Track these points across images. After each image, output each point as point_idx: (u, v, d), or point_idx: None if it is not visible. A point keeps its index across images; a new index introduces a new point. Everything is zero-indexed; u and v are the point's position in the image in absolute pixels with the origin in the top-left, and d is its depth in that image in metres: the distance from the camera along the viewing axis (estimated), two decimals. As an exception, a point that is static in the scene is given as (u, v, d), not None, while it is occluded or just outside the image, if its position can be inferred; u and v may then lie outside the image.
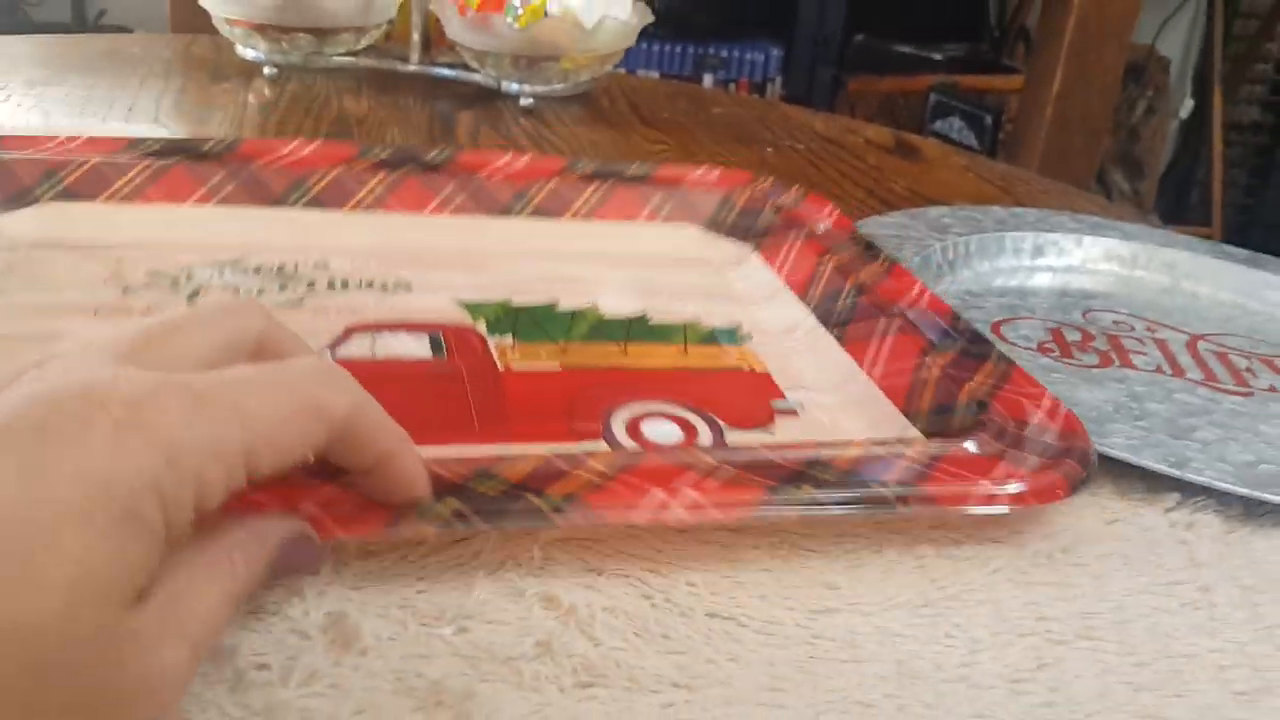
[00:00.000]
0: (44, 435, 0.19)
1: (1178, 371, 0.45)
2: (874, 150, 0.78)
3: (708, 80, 2.06)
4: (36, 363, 0.22)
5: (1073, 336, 0.47)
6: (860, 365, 0.39)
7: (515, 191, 0.48)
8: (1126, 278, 0.55)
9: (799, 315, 0.44)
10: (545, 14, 0.75)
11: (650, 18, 0.80)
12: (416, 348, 0.38)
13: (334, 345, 0.37)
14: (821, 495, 0.29)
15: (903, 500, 0.29)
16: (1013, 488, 0.30)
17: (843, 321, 0.42)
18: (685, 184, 0.51)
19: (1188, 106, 2.33)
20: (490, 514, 0.26)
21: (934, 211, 0.58)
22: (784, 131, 0.80)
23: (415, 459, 0.25)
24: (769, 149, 0.75)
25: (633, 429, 0.35)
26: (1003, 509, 0.30)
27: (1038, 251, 0.56)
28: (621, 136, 0.74)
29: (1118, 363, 0.45)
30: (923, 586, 0.29)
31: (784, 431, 0.36)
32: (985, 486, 0.30)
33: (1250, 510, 0.35)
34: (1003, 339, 0.46)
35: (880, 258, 0.45)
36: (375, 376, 0.34)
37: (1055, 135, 1.38)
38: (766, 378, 0.39)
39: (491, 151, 0.50)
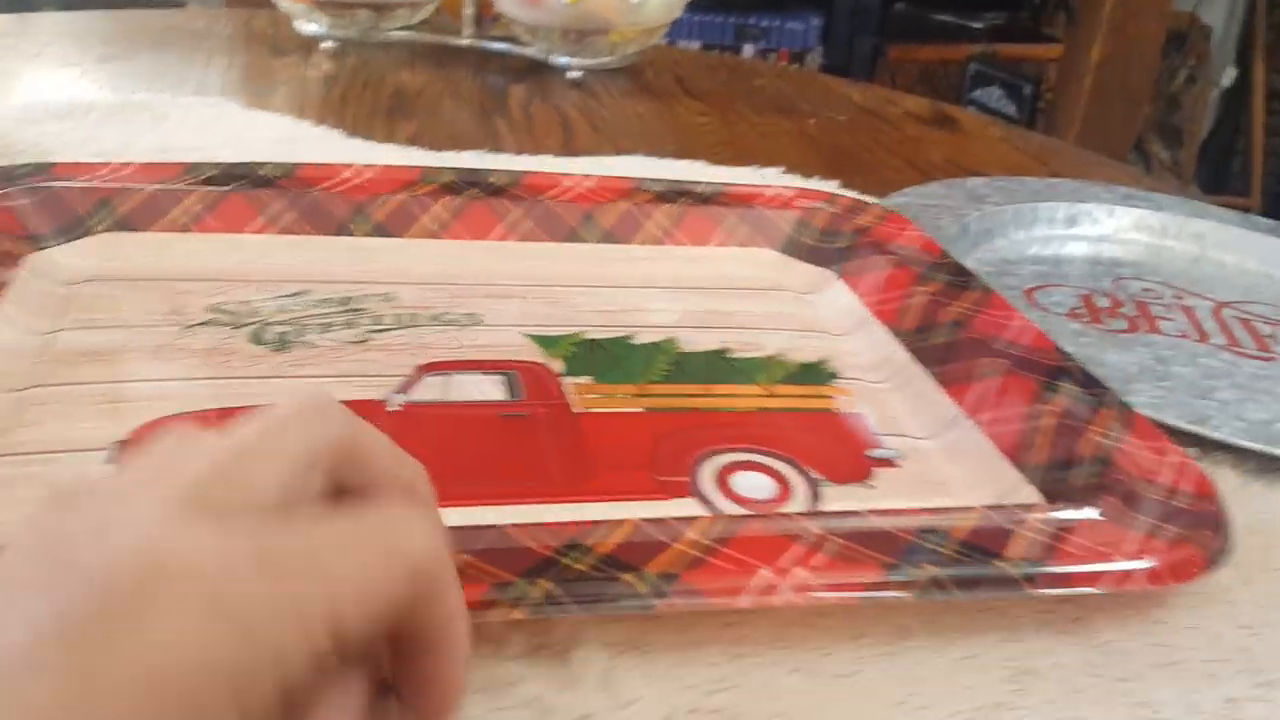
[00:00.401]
0: (102, 625, 0.16)
1: (1203, 337, 0.47)
2: (912, 121, 0.80)
3: (748, 50, 2.07)
4: (90, 490, 0.19)
5: (1102, 303, 0.49)
6: (962, 408, 0.36)
7: (583, 214, 0.47)
8: (1156, 247, 0.57)
9: (889, 349, 0.41)
10: (594, -11, 0.77)
11: (695, -9, 0.82)
12: (491, 389, 0.36)
13: (405, 387, 0.36)
14: (943, 575, 0.27)
15: (1030, 580, 0.27)
16: (1147, 564, 0.28)
17: (940, 358, 0.39)
18: (759, 203, 0.49)
19: (1229, 75, 2.30)
20: (585, 598, 0.25)
21: (971, 182, 0.60)
22: (824, 103, 0.82)
23: (464, 654, 0.21)
24: (810, 120, 0.77)
25: (722, 481, 0.33)
26: (1137, 589, 0.28)
27: (1071, 221, 0.58)
28: (666, 108, 0.76)
29: (1145, 328, 0.47)
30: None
31: (884, 485, 0.34)
32: (1119, 563, 0.28)
33: (1264, 465, 0.37)
34: (1035, 304, 0.48)
35: (976, 285, 0.42)
36: (449, 422, 0.34)
37: (1094, 105, 1.38)
38: (860, 421, 0.37)
39: (557, 174, 0.48)
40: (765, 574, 0.26)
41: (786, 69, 0.95)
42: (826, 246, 0.47)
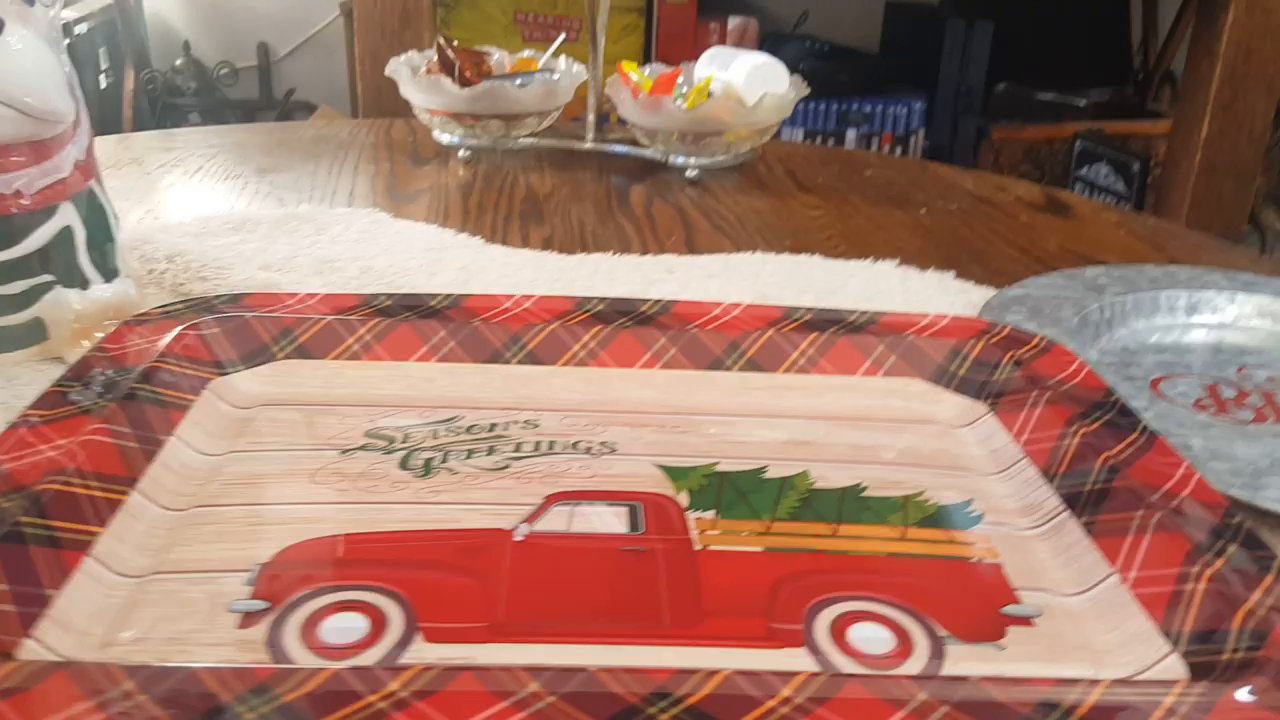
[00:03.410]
0: None
1: (1333, 425, 0.47)
2: (1025, 208, 0.81)
3: (850, 135, 2.10)
4: None
5: (1228, 393, 0.50)
6: (1112, 565, 0.34)
7: (729, 342, 0.47)
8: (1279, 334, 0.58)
9: (1040, 493, 0.39)
10: (710, 94, 0.82)
11: (806, 90, 0.86)
12: (614, 521, 0.36)
13: (533, 517, 0.36)
14: None
15: None
16: None
17: (1093, 508, 0.37)
18: (910, 333, 0.48)
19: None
20: None
21: (1090, 271, 0.61)
22: (936, 192, 0.84)
23: None
24: (923, 210, 0.79)
25: (838, 632, 0.32)
26: None
27: (1192, 309, 0.59)
28: (781, 203, 0.79)
29: (1272, 419, 0.48)
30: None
31: (1016, 646, 0.32)
32: None
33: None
34: (1161, 396, 0.49)
35: (1138, 428, 0.40)
36: (568, 554, 0.35)
37: (1204, 181, 1.38)
38: (998, 571, 0.35)
39: (708, 303, 0.49)
40: None
41: (896, 160, 0.97)
42: (980, 378, 0.46)
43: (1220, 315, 0.59)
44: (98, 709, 0.24)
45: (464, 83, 0.81)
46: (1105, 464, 0.38)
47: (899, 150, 2.12)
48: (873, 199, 0.82)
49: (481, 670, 0.26)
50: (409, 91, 0.83)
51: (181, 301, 0.47)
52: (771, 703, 0.26)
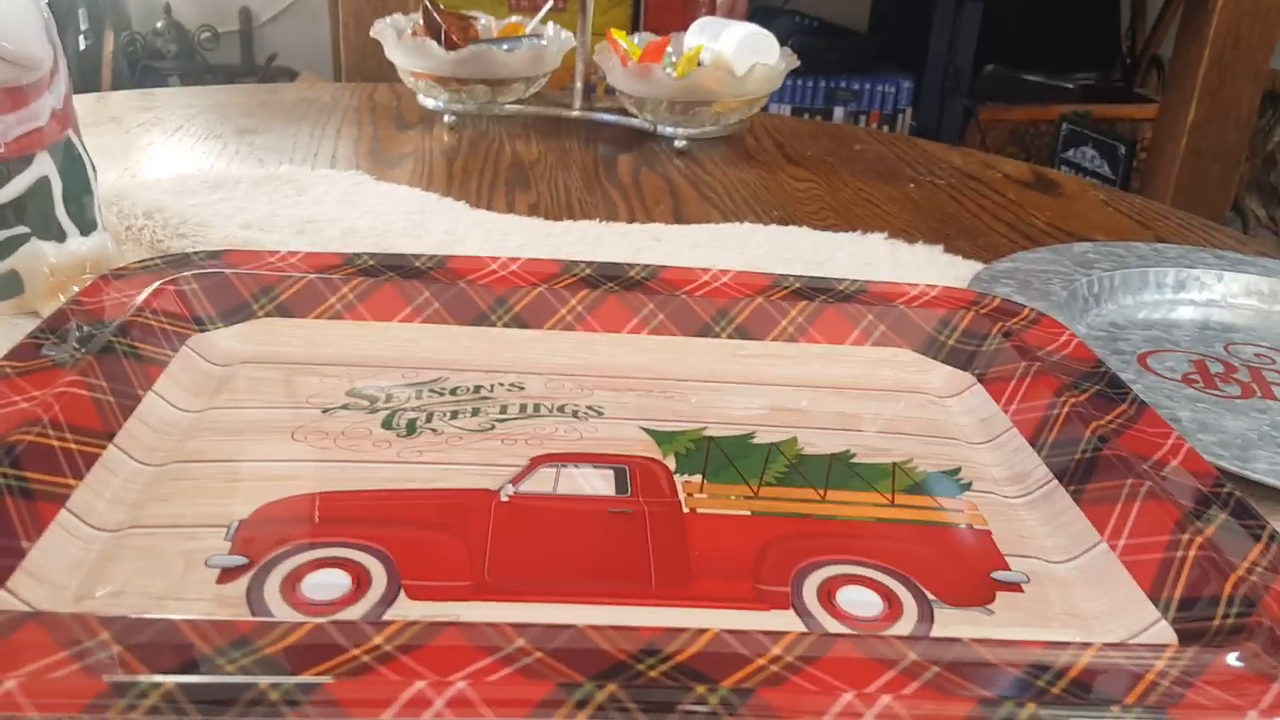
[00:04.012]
0: None
1: (1319, 402, 0.47)
2: (1013, 185, 0.81)
3: (838, 113, 2.10)
4: None
5: (1216, 369, 0.50)
6: (1101, 533, 0.34)
7: (717, 309, 0.47)
8: (1267, 312, 0.57)
9: (1029, 463, 0.39)
10: (700, 63, 0.81)
11: (796, 62, 0.85)
12: (601, 483, 0.36)
13: (517, 479, 0.36)
14: (1046, 716, 0.25)
15: None
16: None
17: (1081, 476, 0.37)
18: (900, 302, 0.48)
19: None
20: (651, 706, 0.24)
21: (1079, 247, 0.61)
22: (924, 167, 0.84)
23: None
24: (911, 184, 0.79)
25: (826, 596, 0.31)
26: None
27: (1180, 286, 0.58)
28: (769, 175, 0.79)
29: (1259, 394, 0.48)
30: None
31: (1005, 612, 0.32)
32: (1251, 718, 0.25)
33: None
34: (1149, 370, 0.49)
35: (1128, 399, 0.40)
36: (554, 515, 0.34)
37: (1190, 166, 1.38)
38: (987, 538, 0.35)
39: (696, 269, 0.49)
40: (849, 698, 0.24)
41: (885, 135, 0.96)
42: (969, 349, 0.46)
43: (1208, 293, 0.58)
44: (73, 659, 0.24)
45: (450, 46, 0.80)
46: (1095, 434, 0.38)
47: (886, 130, 2.11)
48: (861, 173, 0.81)
49: (467, 626, 0.26)
50: (394, 53, 0.82)
51: (160, 257, 0.46)
52: (761, 661, 0.25)
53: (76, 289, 0.44)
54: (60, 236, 0.46)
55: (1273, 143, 2.06)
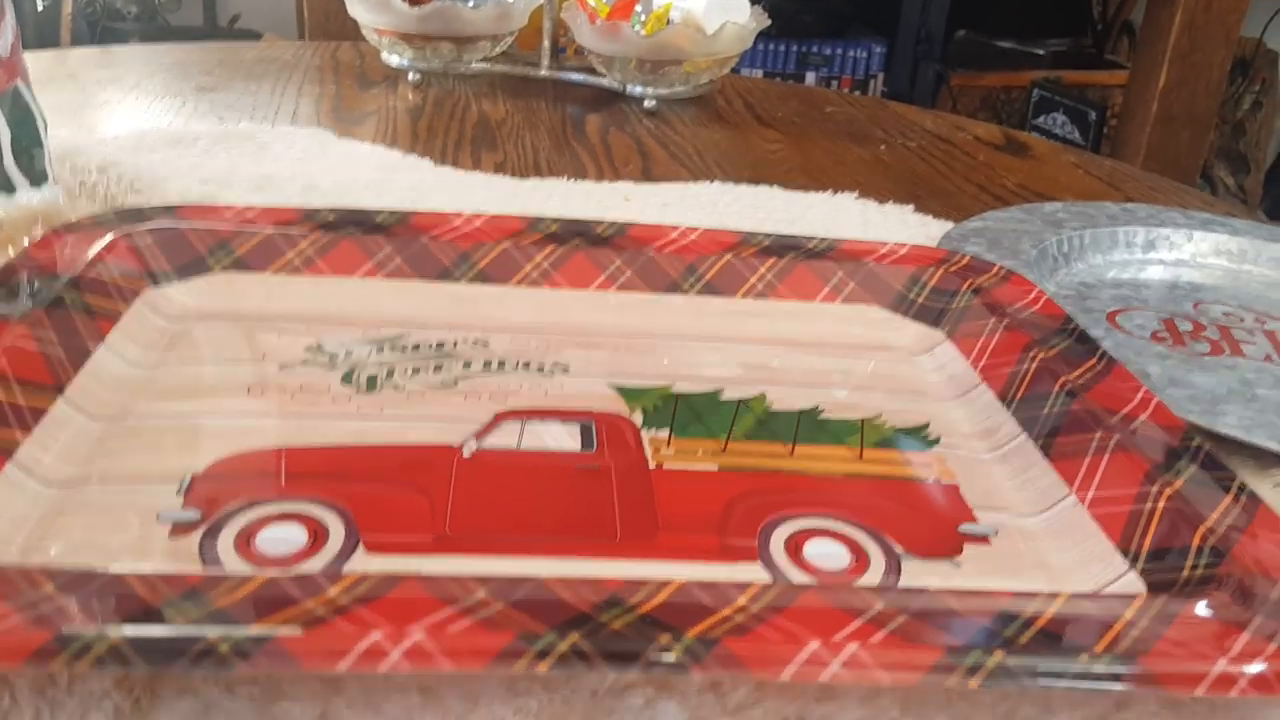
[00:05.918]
0: None
1: (1287, 359, 0.47)
2: (984, 147, 0.80)
3: (810, 77, 2.09)
4: None
5: (1185, 326, 0.50)
6: (1070, 486, 0.34)
7: (686, 266, 0.46)
8: (1235, 272, 0.57)
9: (998, 417, 0.39)
10: (669, 21, 0.80)
11: (767, 22, 0.84)
12: (566, 438, 0.35)
13: (481, 434, 0.35)
14: (1014, 664, 0.24)
15: (1116, 678, 0.25)
16: (1255, 669, 0.25)
17: (1050, 430, 0.37)
18: (870, 260, 0.47)
19: (1297, 100, 2.28)
20: (615, 656, 0.23)
21: (1048, 207, 0.61)
22: (895, 130, 0.83)
23: None
24: (882, 146, 0.78)
25: (793, 549, 0.31)
26: (1242, 696, 0.25)
27: (1149, 246, 0.58)
28: (739, 135, 0.78)
29: (1228, 351, 0.48)
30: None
31: (973, 564, 0.31)
32: (1220, 665, 0.25)
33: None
34: (1118, 328, 0.49)
35: (1097, 354, 0.40)
36: (520, 470, 0.34)
37: (1160, 131, 1.38)
38: (955, 492, 0.35)
39: (664, 225, 0.47)
40: (815, 647, 0.24)
41: (857, 98, 0.96)
42: (939, 306, 0.45)
43: (1177, 252, 0.58)
44: (16, 611, 0.23)
45: (414, 2, 0.78)
46: (1063, 388, 0.38)
47: (858, 95, 2.11)
48: (832, 134, 0.81)
49: (426, 578, 0.25)
50: (356, 9, 0.80)
51: (114, 211, 0.44)
52: (727, 611, 0.25)
53: (27, 241, 0.43)
54: (9, 188, 0.45)
55: (1242, 110, 2.07)
